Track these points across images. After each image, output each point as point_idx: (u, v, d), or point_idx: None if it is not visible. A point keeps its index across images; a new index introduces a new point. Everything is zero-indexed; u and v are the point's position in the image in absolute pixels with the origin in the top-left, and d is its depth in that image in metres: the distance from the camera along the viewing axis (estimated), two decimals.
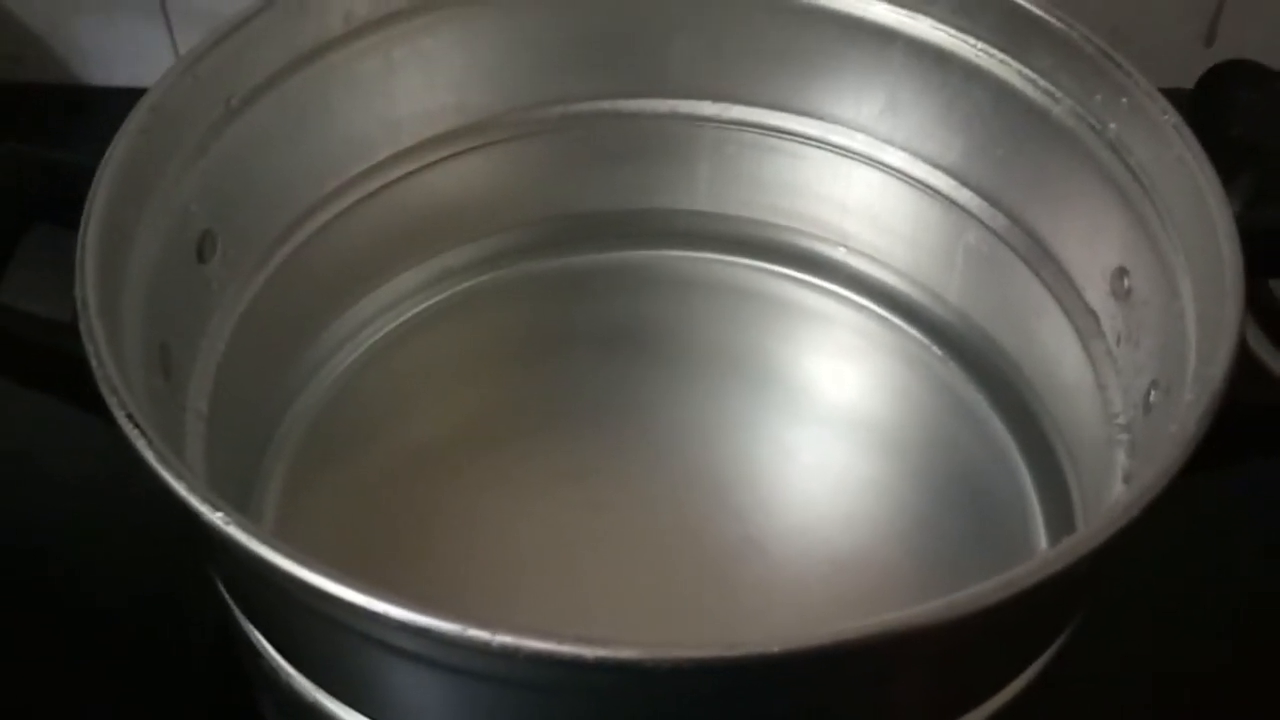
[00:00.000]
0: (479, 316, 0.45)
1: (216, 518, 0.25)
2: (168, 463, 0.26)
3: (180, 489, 0.25)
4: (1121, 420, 0.35)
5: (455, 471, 0.40)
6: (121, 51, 0.56)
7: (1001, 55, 0.38)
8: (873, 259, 0.45)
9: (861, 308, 0.45)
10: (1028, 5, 0.37)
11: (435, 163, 0.43)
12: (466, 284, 0.45)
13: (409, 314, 0.44)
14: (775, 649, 0.23)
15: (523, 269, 0.46)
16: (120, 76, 0.57)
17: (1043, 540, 0.39)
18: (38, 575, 0.41)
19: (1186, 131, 0.33)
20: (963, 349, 0.43)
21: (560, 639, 0.23)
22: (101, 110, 0.56)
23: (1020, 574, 0.25)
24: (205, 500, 0.25)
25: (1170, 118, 0.34)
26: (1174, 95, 0.35)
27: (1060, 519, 0.39)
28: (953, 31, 0.39)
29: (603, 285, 0.46)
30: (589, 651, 0.23)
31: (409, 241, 0.44)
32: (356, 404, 0.42)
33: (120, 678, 0.39)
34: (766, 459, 0.42)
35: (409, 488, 0.40)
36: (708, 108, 0.44)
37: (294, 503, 0.39)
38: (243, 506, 0.37)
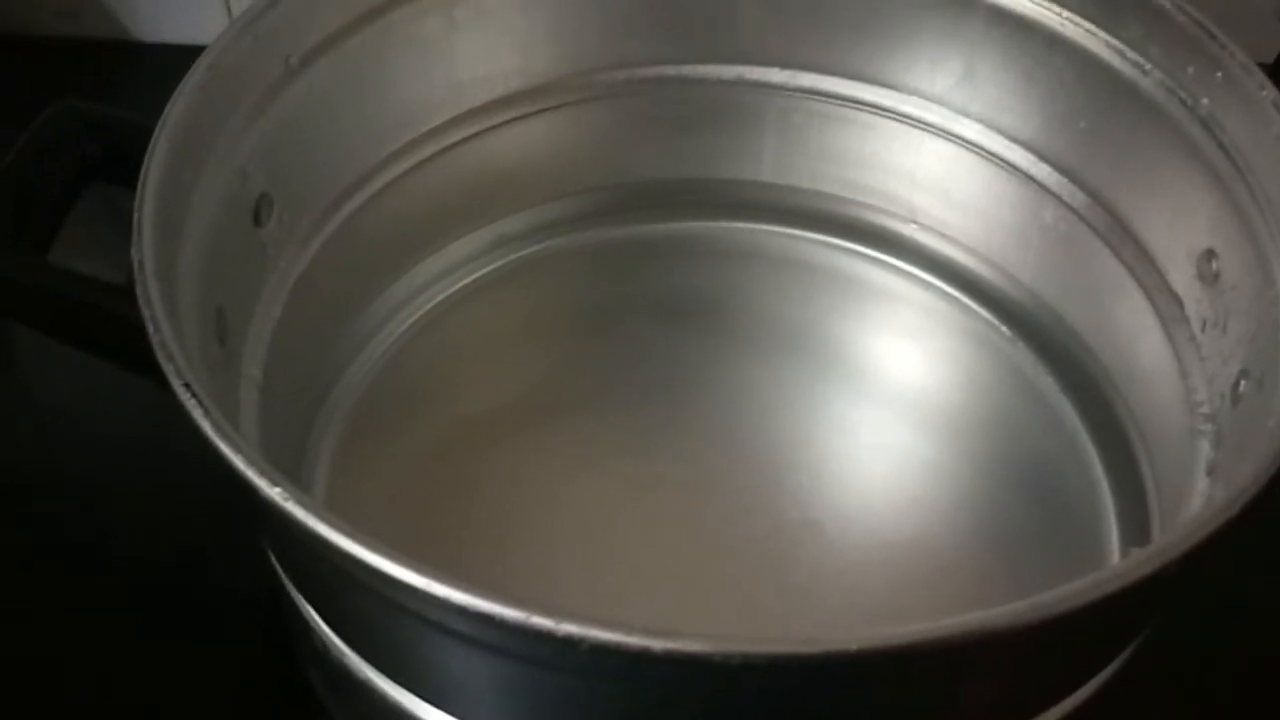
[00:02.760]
0: (534, 285, 0.44)
1: (275, 493, 0.24)
2: (225, 434, 0.25)
3: (238, 462, 0.25)
4: (1205, 410, 0.34)
5: (506, 444, 0.40)
6: (173, 7, 0.55)
7: (1088, 24, 0.37)
8: (943, 235, 0.44)
9: (929, 285, 0.44)
10: None
11: (495, 127, 0.42)
12: (523, 252, 0.44)
13: (463, 282, 0.44)
14: (854, 647, 0.22)
15: (580, 238, 0.45)
16: (171, 33, 0.56)
17: (1114, 532, 0.38)
18: (80, 531, 0.41)
19: None
20: (1034, 331, 0.42)
21: (628, 630, 0.22)
22: (152, 66, 0.55)
23: (1108, 575, 0.24)
24: (264, 474, 0.24)
25: (1269, 94, 0.32)
26: None
27: (1133, 510, 0.38)
28: None
29: (662, 256, 0.45)
30: (657, 644, 0.22)
31: (465, 208, 0.43)
32: (408, 373, 0.42)
33: (156, 633, 0.39)
34: (826, 439, 0.41)
35: (460, 459, 0.39)
36: (776, 75, 0.43)
37: (344, 471, 0.39)
38: (293, 474, 0.37)
